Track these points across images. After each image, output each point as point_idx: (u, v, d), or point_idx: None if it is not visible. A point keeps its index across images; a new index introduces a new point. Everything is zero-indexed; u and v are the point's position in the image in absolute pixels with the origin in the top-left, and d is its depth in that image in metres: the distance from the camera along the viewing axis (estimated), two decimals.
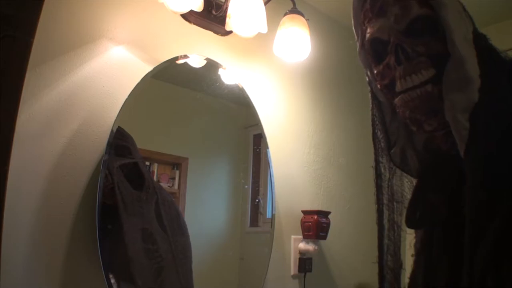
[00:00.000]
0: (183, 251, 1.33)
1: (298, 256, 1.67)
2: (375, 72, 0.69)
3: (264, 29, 1.42)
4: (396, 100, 0.65)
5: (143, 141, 1.32)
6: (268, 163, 1.61)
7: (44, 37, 1.12)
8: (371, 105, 0.77)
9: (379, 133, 0.76)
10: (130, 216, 1.20)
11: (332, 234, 1.71)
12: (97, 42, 1.26)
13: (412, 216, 0.71)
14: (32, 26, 0.85)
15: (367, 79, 0.75)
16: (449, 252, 0.62)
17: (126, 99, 1.25)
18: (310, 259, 1.69)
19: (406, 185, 0.77)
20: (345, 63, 1.97)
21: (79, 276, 1.13)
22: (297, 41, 1.53)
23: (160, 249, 1.25)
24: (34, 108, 1.12)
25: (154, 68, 1.34)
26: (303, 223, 1.69)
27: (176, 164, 1.41)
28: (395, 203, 0.76)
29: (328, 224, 1.69)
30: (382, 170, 0.76)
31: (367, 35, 0.68)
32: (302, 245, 1.67)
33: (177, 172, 1.40)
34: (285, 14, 1.54)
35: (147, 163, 1.34)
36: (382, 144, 0.76)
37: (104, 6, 1.29)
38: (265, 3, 1.46)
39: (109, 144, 1.18)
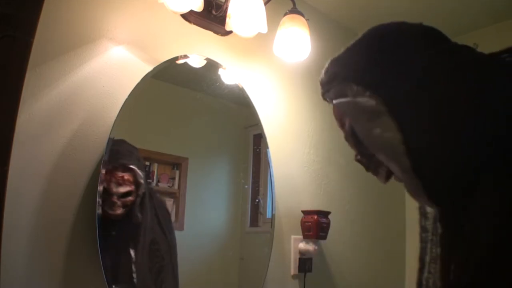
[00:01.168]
0: (174, 250, 1.36)
1: (298, 256, 1.67)
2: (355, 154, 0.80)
3: (264, 29, 1.42)
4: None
5: (143, 141, 1.32)
6: (268, 163, 1.61)
7: (44, 37, 1.12)
8: None
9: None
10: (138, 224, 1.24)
11: (332, 234, 1.71)
12: (97, 42, 1.26)
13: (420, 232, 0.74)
14: (32, 26, 0.85)
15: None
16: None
17: (126, 99, 1.25)
18: (310, 259, 1.69)
19: None
20: None
21: (79, 276, 1.13)
22: (297, 41, 1.53)
23: (161, 250, 1.28)
24: (34, 108, 1.12)
25: (154, 68, 1.34)
26: (303, 223, 1.69)
27: (176, 164, 1.41)
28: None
29: (328, 224, 1.69)
30: (428, 209, 0.74)
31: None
32: (302, 245, 1.66)
33: (177, 172, 1.40)
34: (285, 14, 1.54)
35: (147, 163, 1.34)
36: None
37: (104, 6, 1.29)
38: (265, 3, 1.46)
39: (105, 162, 1.18)
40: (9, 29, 0.78)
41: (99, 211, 1.12)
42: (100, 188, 1.14)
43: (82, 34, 1.23)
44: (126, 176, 1.22)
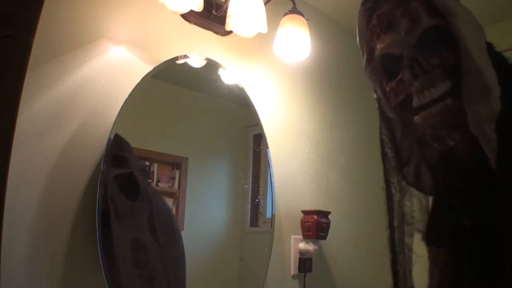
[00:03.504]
0: (175, 261, 1.32)
1: (298, 256, 1.67)
2: (388, 89, 0.67)
3: (264, 29, 1.42)
4: (416, 118, 0.63)
5: (143, 141, 1.32)
6: (268, 163, 1.61)
7: (44, 37, 1.12)
8: (379, 123, 0.75)
9: (389, 152, 0.74)
10: (122, 227, 1.19)
11: (332, 234, 1.71)
12: (97, 42, 1.26)
13: (435, 233, 0.69)
14: (32, 26, 0.85)
15: (375, 95, 0.73)
16: (480, 266, 0.61)
17: (126, 99, 1.25)
18: (310, 259, 1.69)
19: (416, 205, 0.75)
20: (345, 63, 1.97)
21: (79, 276, 1.13)
22: (297, 41, 1.53)
23: (152, 259, 1.24)
24: (34, 108, 1.11)
25: (154, 68, 1.34)
26: (303, 223, 1.69)
27: (176, 164, 1.41)
28: (405, 225, 0.74)
29: (328, 224, 1.69)
30: (393, 191, 0.74)
31: (377, 51, 0.67)
32: (302, 245, 1.66)
33: (177, 172, 1.40)
34: (285, 14, 1.54)
35: (147, 163, 1.34)
36: (393, 163, 0.74)
37: (104, 6, 1.28)
38: (265, 3, 1.46)
39: (107, 153, 1.17)
40: (9, 29, 0.78)
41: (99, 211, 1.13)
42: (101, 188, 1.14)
43: (82, 34, 1.23)
44: None
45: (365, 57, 0.71)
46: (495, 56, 0.62)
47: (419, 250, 0.73)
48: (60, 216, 1.12)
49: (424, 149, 0.70)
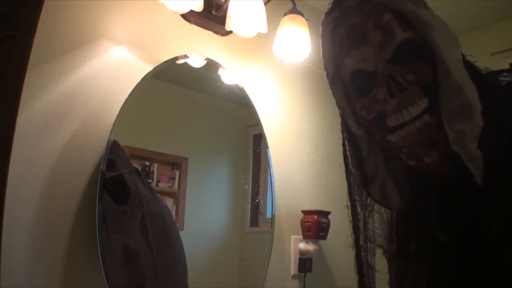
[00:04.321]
0: (169, 266, 1.29)
1: (298, 256, 1.67)
2: (358, 106, 0.62)
3: (264, 29, 1.42)
4: (392, 136, 0.59)
5: (143, 141, 1.32)
6: (268, 163, 1.61)
7: (44, 37, 1.12)
8: (342, 139, 0.71)
9: (353, 169, 0.71)
10: (111, 233, 1.15)
11: (332, 234, 1.71)
12: (97, 42, 1.26)
13: (406, 248, 0.67)
14: (32, 26, 0.84)
15: (339, 111, 0.69)
16: (456, 281, 0.59)
17: (126, 99, 1.25)
18: (310, 259, 1.69)
19: (377, 221, 0.73)
20: None
21: (79, 276, 1.13)
22: (297, 41, 1.53)
23: (143, 265, 1.20)
24: (34, 108, 1.12)
25: (154, 68, 1.34)
26: (303, 223, 1.69)
27: (176, 164, 1.41)
28: (368, 243, 0.72)
29: (328, 224, 1.69)
30: (359, 209, 0.72)
31: (347, 66, 0.62)
32: (302, 245, 1.66)
33: (177, 172, 1.40)
34: (285, 14, 1.54)
35: (147, 163, 1.34)
36: (357, 180, 0.71)
37: (104, 6, 1.28)
38: (265, 3, 1.46)
39: (107, 153, 1.17)
40: (9, 29, 0.78)
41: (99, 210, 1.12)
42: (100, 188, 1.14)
43: (82, 34, 1.23)
44: None
45: (329, 71, 0.68)
46: (470, 68, 0.59)
47: (382, 269, 0.71)
48: (60, 216, 1.12)
49: (393, 166, 0.67)
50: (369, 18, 0.60)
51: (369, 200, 0.71)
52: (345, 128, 0.70)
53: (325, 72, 0.69)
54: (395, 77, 0.57)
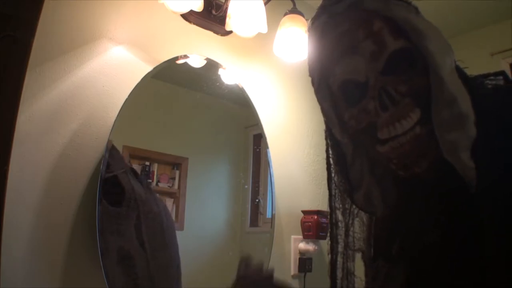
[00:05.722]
0: (164, 267, 1.27)
1: (298, 256, 1.67)
2: (347, 115, 0.61)
3: (264, 29, 1.42)
4: (382, 147, 0.58)
5: (143, 141, 1.32)
6: (268, 163, 1.61)
7: (44, 37, 1.12)
8: (326, 146, 0.70)
9: (336, 177, 0.69)
10: (107, 234, 1.14)
11: None
12: (97, 42, 1.26)
13: (386, 251, 0.65)
14: (32, 26, 0.85)
15: (324, 118, 0.68)
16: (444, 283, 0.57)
17: (126, 99, 1.25)
18: (310, 259, 1.69)
19: (357, 225, 0.72)
20: None
21: (79, 276, 1.13)
22: (297, 41, 1.53)
23: (136, 266, 1.19)
24: (34, 108, 1.11)
25: (154, 68, 1.34)
26: (303, 223, 1.69)
27: (176, 164, 1.41)
28: (349, 250, 0.71)
29: (328, 224, 1.69)
30: (340, 217, 0.71)
31: (337, 76, 0.60)
32: (302, 245, 1.67)
33: (177, 172, 1.40)
34: (285, 14, 1.54)
35: (147, 163, 1.34)
36: (341, 187, 0.70)
37: (104, 6, 1.29)
38: (265, 3, 1.46)
39: (106, 153, 1.16)
40: (9, 29, 0.78)
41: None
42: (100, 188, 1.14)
43: (82, 34, 1.23)
44: None
45: (315, 78, 0.66)
46: (463, 76, 0.58)
47: (361, 275, 0.71)
48: (60, 216, 1.12)
49: (378, 171, 0.66)
50: (359, 26, 0.58)
51: (353, 207, 0.70)
52: (330, 135, 0.69)
53: (311, 78, 0.67)
54: (387, 89, 0.56)
